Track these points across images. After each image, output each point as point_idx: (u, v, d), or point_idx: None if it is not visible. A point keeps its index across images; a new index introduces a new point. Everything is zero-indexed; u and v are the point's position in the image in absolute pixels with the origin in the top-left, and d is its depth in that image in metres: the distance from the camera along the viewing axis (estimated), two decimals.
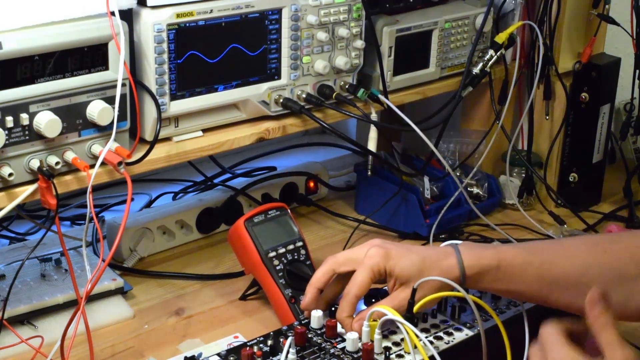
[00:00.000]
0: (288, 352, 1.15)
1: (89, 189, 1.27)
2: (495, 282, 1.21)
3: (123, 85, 1.31)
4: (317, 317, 1.26)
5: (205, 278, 1.59)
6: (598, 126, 1.84)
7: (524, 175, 1.86)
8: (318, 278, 1.29)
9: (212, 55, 1.43)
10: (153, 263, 1.63)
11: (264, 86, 1.51)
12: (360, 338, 1.21)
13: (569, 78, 1.83)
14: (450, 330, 1.27)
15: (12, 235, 1.72)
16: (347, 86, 1.59)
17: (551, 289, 1.20)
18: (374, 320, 1.20)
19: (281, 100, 1.53)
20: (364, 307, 1.29)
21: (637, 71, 1.79)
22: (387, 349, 1.21)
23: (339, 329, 1.24)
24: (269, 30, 1.48)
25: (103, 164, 1.31)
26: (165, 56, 1.37)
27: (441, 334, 1.26)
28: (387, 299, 1.23)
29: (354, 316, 1.24)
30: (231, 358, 1.18)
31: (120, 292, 1.49)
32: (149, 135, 1.40)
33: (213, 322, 1.46)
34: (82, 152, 1.33)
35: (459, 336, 1.26)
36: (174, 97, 1.41)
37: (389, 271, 1.23)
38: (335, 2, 1.53)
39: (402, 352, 1.20)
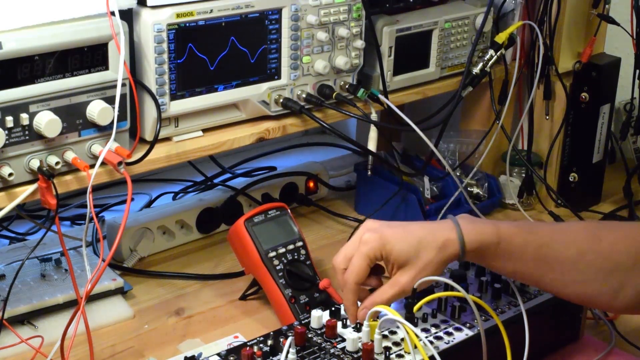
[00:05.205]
0: (288, 352, 1.14)
1: (89, 189, 1.27)
2: (493, 259, 1.21)
3: (123, 85, 1.31)
4: (317, 317, 1.26)
5: (205, 278, 1.59)
6: (598, 126, 1.84)
7: (524, 175, 1.86)
8: (348, 299, 1.24)
9: (212, 55, 1.43)
10: (153, 263, 1.63)
11: (264, 86, 1.51)
12: (361, 327, 1.21)
13: (569, 78, 1.83)
14: (450, 330, 1.27)
15: (12, 235, 1.72)
16: (347, 86, 1.59)
17: (546, 270, 1.21)
18: (374, 320, 1.20)
19: (281, 100, 1.53)
20: None
21: (637, 71, 1.79)
22: (387, 349, 1.20)
23: (339, 329, 1.24)
24: (269, 30, 1.48)
25: (103, 164, 1.31)
26: (165, 56, 1.37)
27: (441, 334, 1.26)
28: (387, 284, 1.22)
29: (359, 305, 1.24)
30: (231, 358, 1.18)
31: (120, 292, 1.49)
32: (149, 135, 1.40)
33: (213, 322, 1.46)
34: (82, 152, 1.33)
35: (459, 336, 1.26)
36: (174, 97, 1.41)
37: (385, 256, 1.21)
38: (335, 2, 1.53)
39: (402, 352, 1.20)
